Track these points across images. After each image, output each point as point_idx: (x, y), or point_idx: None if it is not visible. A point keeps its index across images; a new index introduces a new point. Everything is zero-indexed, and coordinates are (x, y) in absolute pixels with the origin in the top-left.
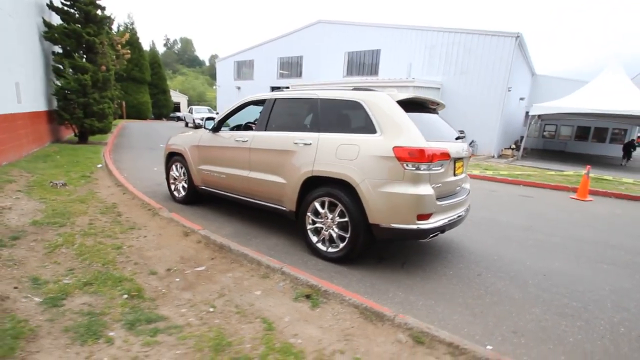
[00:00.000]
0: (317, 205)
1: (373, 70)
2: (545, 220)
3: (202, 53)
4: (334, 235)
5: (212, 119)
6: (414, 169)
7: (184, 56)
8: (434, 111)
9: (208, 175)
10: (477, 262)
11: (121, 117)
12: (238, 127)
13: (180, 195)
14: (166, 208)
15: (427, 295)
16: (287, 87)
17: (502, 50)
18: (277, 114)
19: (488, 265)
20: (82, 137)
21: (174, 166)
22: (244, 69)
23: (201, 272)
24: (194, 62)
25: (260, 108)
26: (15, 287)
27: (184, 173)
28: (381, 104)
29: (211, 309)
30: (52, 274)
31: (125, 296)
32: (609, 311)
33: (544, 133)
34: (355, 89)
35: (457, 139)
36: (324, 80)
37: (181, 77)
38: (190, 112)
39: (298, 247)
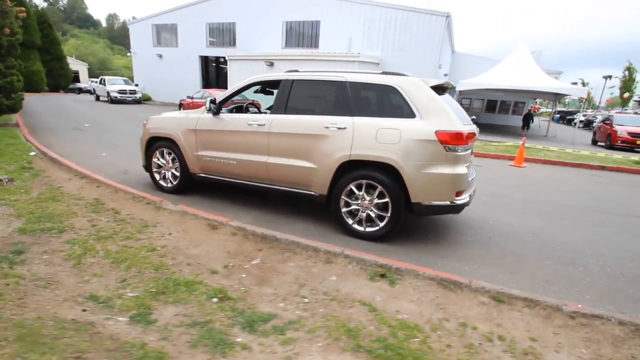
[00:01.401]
0: (353, 187)
1: (313, 42)
2: (500, 186)
3: (96, 11)
4: (373, 215)
5: (214, 101)
6: (453, 150)
7: (72, 15)
8: (448, 93)
9: (210, 162)
10: (480, 227)
11: None
12: (233, 110)
13: (170, 184)
14: (165, 200)
15: (466, 261)
16: (296, 70)
17: (434, 29)
18: (296, 96)
19: (490, 229)
20: None
21: (158, 153)
22: (164, 34)
23: (260, 265)
24: (86, 22)
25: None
26: (84, 310)
27: (173, 160)
28: (417, 89)
29: (306, 300)
30: (106, 289)
31: (215, 300)
32: (592, 257)
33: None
34: (384, 73)
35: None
36: (262, 51)
37: (75, 41)
38: (102, 83)
39: (330, 230)
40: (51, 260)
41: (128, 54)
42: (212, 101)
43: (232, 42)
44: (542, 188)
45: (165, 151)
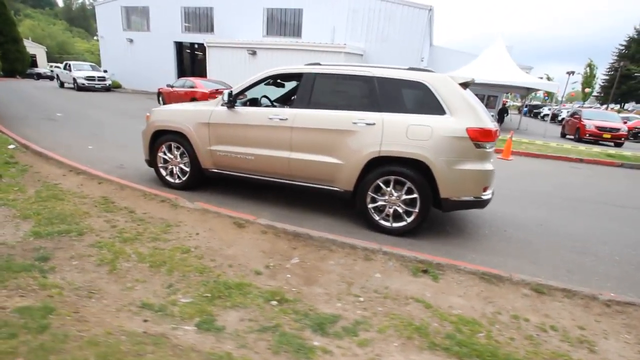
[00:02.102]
0: (380, 183)
1: (296, 31)
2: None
3: None
4: (400, 210)
5: (231, 94)
6: (482, 147)
7: None
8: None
9: (224, 157)
10: (494, 220)
11: None
12: (249, 103)
13: (178, 180)
14: (180, 197)
15: (492, 254)
16: (317, 63)
17: (417, 21)
18: (320, 90)
19: (501, 221)
20: None
21: (164, 147)
22: (135, 17)
23: (301, 265)
24: (40, 0)
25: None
26: (145, 321)
27: (182, 155)
28: (446, 86)
29: (360, 299)
30: (155, 295)
31: (274, 303)
32: (599, 246)
33: None
34: (411, 69)
35: None
36: (242, 39)
37: (30, 22)
38: (67, 68)
39: (355, 225)
40: (83, 267)
41: (95, 38)
42: (230, 94)
43: (210, 28)
44: (534, 180)
45: (173, 145)
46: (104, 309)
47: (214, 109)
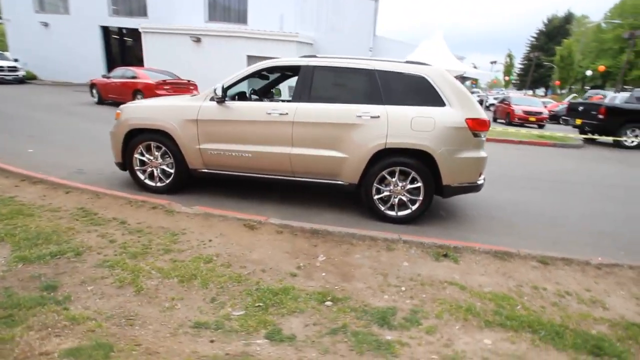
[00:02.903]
0: (385, 174)
1: (241, 17)
2: None
3: None
4: (405, 199)
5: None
6: (479, 136)
7: None
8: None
9: (217, 155)
10: (477, 203)
11: None
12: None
13: (160, 183)
14: (172, 202)
15: (487, 233)
16: (313, 55)
17: (365, 11)
18: (320, 84)
19: (484, 204)
20: None
21: (142, 147)
22: None
23: (329, 261)
24: None
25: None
26: (212, 341)
27: (164, 155)
28: (444, 79)
29: (402, 288)
30: (203, 312)
31: (329, 303)
32: (567, 219)
33: None
34: (408, 62)
35: None
36: (182, 24)
37: None
38: None
39: (362, 216)
40: (103, 291)
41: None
42: (222, 88)
43: (142, 12)
44: (496, 162)
45: (153, 145)
46: (158, 335)
47: (202, 104)
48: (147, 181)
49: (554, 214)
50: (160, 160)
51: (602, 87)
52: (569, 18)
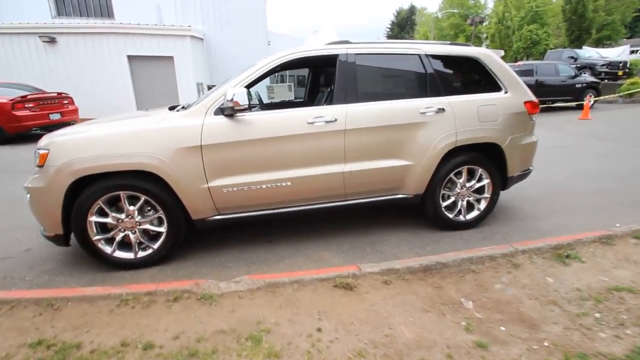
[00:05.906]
0: (453, 176)
1: (104, 11)
2: None
3: None
4: (471, 200)
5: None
6: (533, 119)
7: None
8: None
9: (239, 193)
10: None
11: None
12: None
13: (143, 251)
14: (199, 281)
15: (545, 217)
16: (347, 41)
17: (255, 4)
18: (365, 77)
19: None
20: None
21: (102, 203)
22: None
23: (480, 304)
24: None
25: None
26: None
27: (142, 209)
28: (495, 60)
29: (597, 315)
30: None
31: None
32: (589, 184)
33: None
34: (453, 43)
35: None
36: (25, 22)
37: None
38: None
39: (417, 225)
40: None
41: None
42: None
43: None
44: None
45: (123, 196)
46: None
47: (204, 121)
48: (120, 254)
49: (569, 183)
50: (138, 218)
51: None
52: (412, 10)
